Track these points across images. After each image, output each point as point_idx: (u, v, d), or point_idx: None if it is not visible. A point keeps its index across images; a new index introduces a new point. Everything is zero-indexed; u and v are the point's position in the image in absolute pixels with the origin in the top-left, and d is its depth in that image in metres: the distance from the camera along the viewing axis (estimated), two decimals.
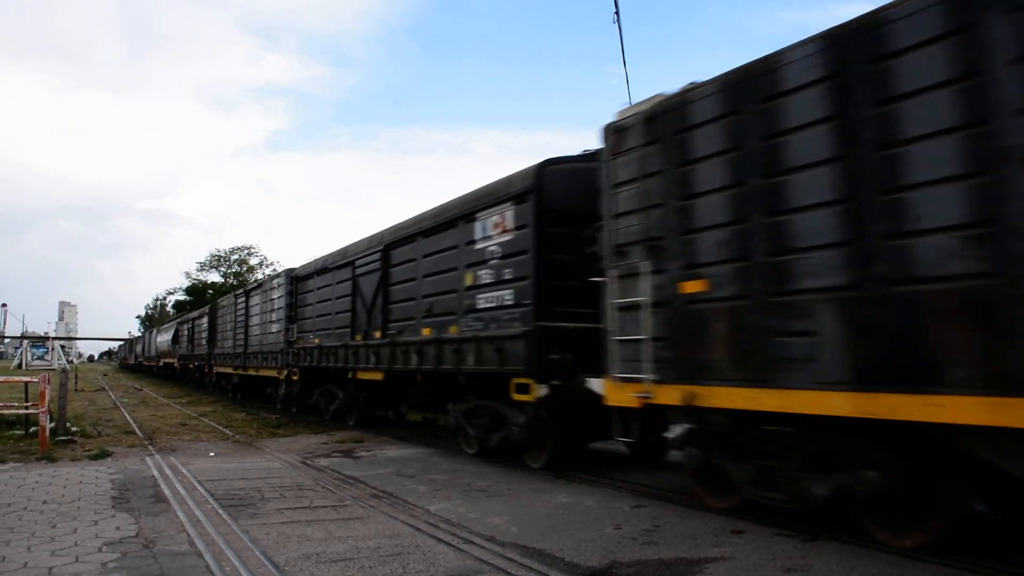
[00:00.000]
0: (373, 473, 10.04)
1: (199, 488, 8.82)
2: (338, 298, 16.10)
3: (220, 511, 7.54)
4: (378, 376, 14.18)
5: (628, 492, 8.42)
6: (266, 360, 21.13)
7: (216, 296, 53.51)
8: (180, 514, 7.39)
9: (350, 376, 15.69)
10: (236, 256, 76.90)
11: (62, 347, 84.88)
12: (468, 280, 10.78)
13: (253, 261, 76.00)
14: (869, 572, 5.33)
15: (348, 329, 15.21)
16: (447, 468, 10.45)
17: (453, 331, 11.03)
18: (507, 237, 10.04)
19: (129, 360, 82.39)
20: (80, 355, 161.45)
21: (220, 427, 16.59)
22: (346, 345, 15.23)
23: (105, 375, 60.00)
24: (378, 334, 13.71)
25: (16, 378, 16.31)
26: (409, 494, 8.53)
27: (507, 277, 9.95)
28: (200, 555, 5.88)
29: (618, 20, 10.20)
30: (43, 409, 11.92)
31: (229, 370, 26.56)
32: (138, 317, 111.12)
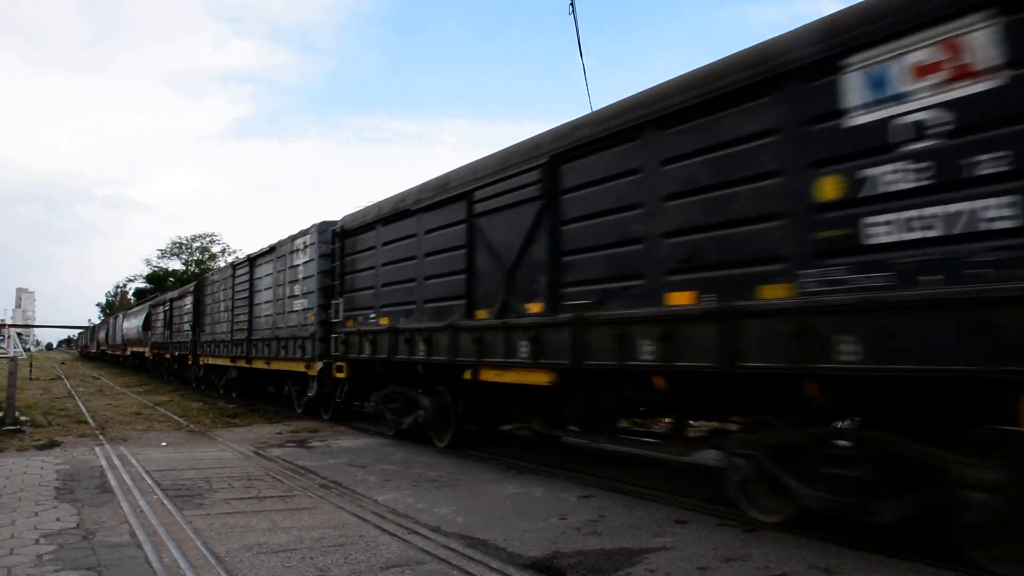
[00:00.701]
0: (325, 463, 10.00)
1: (146, 478, 8.72)
2: (434, 254, 10.55)
3: (165, 502, 7.46)
4: (541, 379, 8.33)
5: (576, 483, 8.47)
6: (285, 349, 16.00)
7: (177, 285, 52.71)
8: (124, 505, 7.30)
9: (468, 375, 9.71)
10: (198, 244, 76.17)
11: (19, 335, 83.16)
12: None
13: (215, 248, 75.32)
14: (807, 560, 5.43)
15: (460, 302, 9.80)
16: (400, 459, 10.43)
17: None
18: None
19: (90, 349, 76.95)
20: (38, 343, 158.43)
21: (175, 416, 16.40)
22: (454, 327, 9.76)
23: (63, 363, 58.92)
24: (535, 307, 8.39)
25: None
26: (359, 484, 8.51)
27: None
28: (140, 546, 5.82)
29: (574, 12, 10.15)
30: None
31: (224, 361, 21.76)
32: (98, 305, 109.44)
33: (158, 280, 70.53)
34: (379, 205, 12.31)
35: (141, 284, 77.20)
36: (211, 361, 23.56)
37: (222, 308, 22.35)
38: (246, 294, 19.53)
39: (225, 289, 22.04)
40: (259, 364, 18.36)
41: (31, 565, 5.31)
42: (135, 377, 35.82)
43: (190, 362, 26.59)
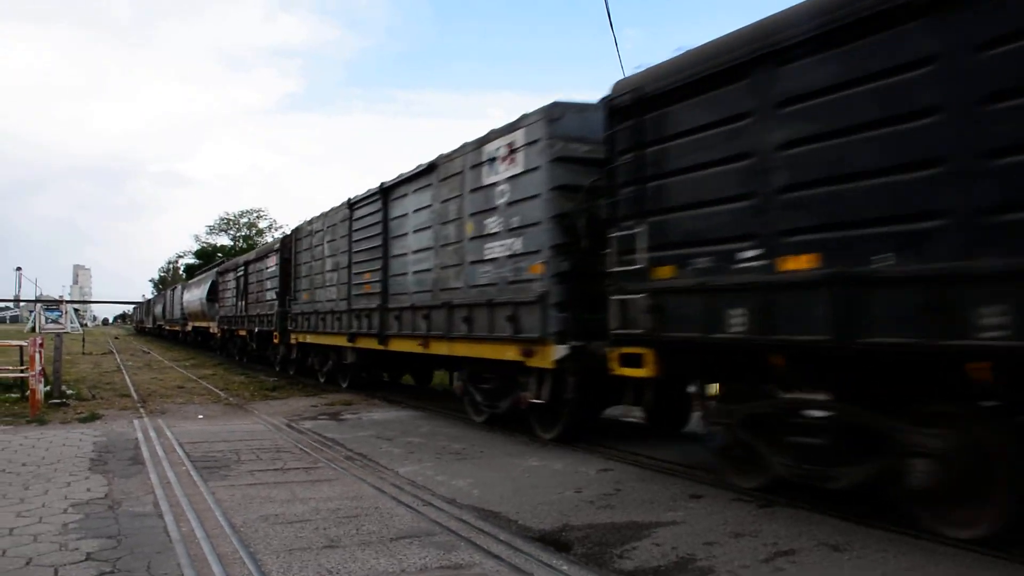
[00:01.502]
0: (353, 436, 10.16)
1: (178, 450, 8.96)
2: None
3: (192, 473, 7.67)
4: None
5: (599, 456, 8.48)
6: (469, 322, 10.36)
7: (225, 260, 50.43)
8: (153, 476, 7.52)
9: None
10: (245, 219, 77.26)
11: (76, 310, 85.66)
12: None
13: (262, 224, 76.35)
14: (816, 537, 5.38)
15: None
16: (427, 431, 10.55)
17: None
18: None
19: (146, 324, 72.73)
20: (95, 318, 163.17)
21: (216, 390, 16.79)
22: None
23: (116, 339, 60.62)
24: None
25: (12, 342, 16.51)
26: (383, 456, 8.64)
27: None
28: (161, 516, 6.00)
29: None
30: (33, 373, 12.08)
31: (334, 340, 16.26)
32: (151, 280, 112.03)
33: (206, 256, 71.77)
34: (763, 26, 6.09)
35: (190, 260, 78.68)
36: (310, 339, 18.14)
37: (328, 267, 16.87)
38: (377, 242, 13.85)
39: (333, 240, 16.52)
40: (403, 346, 12.78)
41: (56, 533, 5.51)
42: (184, 352, 36.70)
43: (276, 340, 21.01)
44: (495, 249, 9.95)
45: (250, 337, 24.75)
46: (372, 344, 13.97)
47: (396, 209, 13.25)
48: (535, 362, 9.00)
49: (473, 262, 10.42)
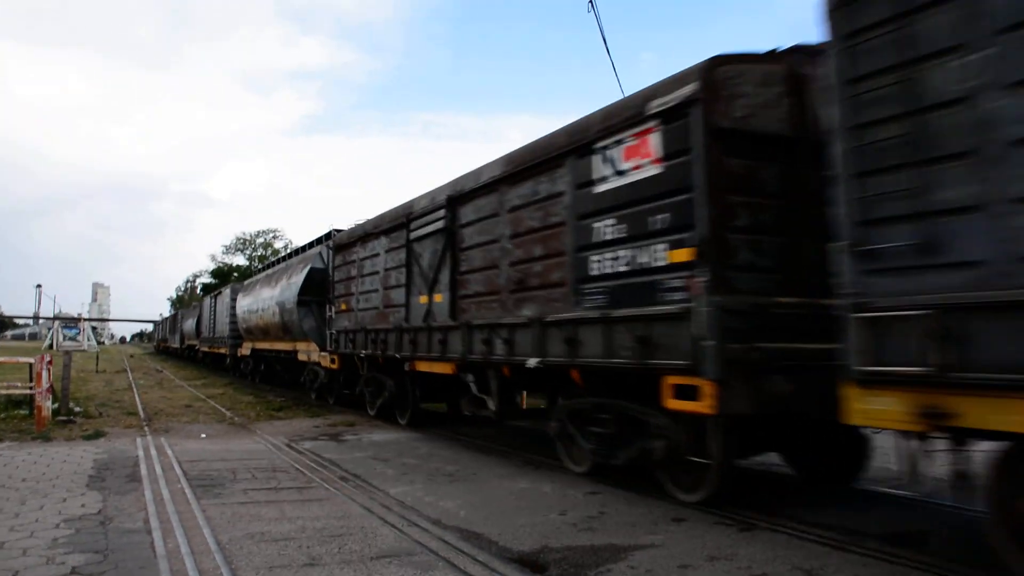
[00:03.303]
0: (350, 456, 10.27)
1: (176, 468, 9.10)
2: None
3: (187, 491, 7.80)
4: None
5: (588, 479, 8.53)
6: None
7: (240, 280, 40.22)
8: (148, 493, 7.66)
9: None
10: (261, 239, 78.05)
11: (93, 328, 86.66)
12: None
13: (278, 244, 77.04)
14: (791, 561, 5.42)
15: None
16: (424, 452, 10.65)
17: None
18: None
19: (171, 344, 60.89)
20: (112, 336, 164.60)
21: (223, 409, 16.96)
22: None
23: (131, 357, 61.11)
24: None
25: (21, 359, 16.78)
26: (376, 477, 8.74)
27: None
28: (150, 532, 6.12)
29: (595, 9, 10.06)
30: (39, 390, 12.30)
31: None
32: (169, 299, 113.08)
33: (223, 275, 72.47)
34: None
35: (207, 280, 79.42)
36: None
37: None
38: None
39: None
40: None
41: (45, 547, 5.65)
42: (196, 371, 36.86)
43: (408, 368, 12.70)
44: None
45: (386, 365, 14.11)
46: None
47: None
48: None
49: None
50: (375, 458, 10.17)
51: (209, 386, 25.31)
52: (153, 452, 10.32)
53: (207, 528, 6.28)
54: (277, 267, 25.05)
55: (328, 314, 16.98)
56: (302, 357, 19.58)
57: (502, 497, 7.71)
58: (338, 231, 18.36)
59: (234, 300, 28.93)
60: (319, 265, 18.50)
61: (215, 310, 34.05)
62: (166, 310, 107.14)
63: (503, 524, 6.54)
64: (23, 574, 5.02)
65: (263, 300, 22.98)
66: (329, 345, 16.90)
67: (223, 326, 31.04)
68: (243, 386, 25.05)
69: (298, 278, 19.24)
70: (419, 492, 7.91)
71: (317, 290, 18.33)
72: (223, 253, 79.51)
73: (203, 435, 12.51)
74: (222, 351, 31.96)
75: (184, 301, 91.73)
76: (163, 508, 7.00)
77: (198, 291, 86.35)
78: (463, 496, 7.71)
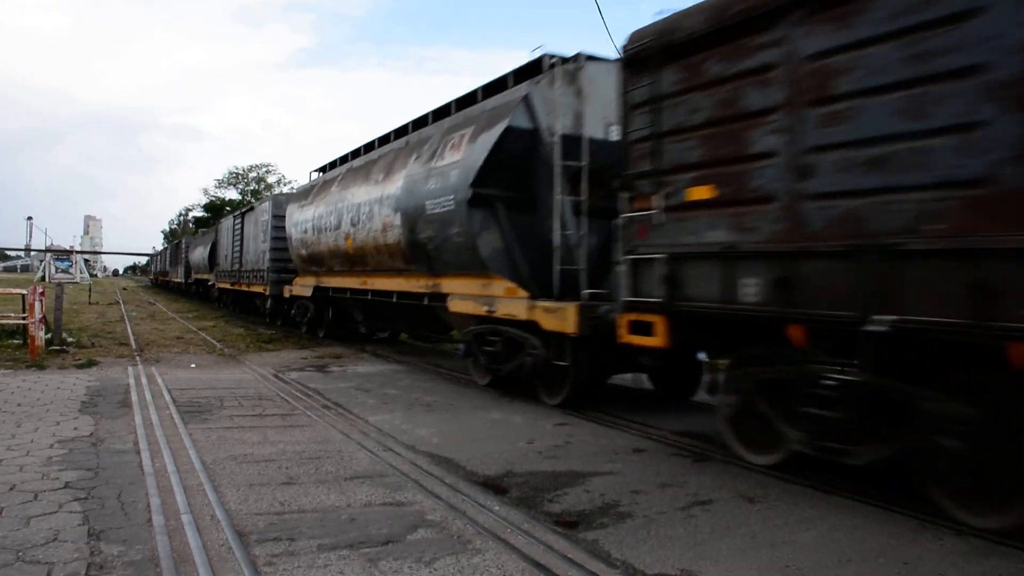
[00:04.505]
0: (334, 387, 10.67)
1: (165, 396, 9.49)
2: None
3: (175, 417, 8.18)
4: None
5: (560, 412, 8.95)
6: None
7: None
8: (138, 418, 8.04)
9: None
10: (254, 173, 77.55)
11: (86, 261, 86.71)
12: None
13: (271, 179, 76.64)
14: (737, 490, 5.83)
15: None
16: (406, 384, 11.06)
17: None
18: None
19: (172, 277, 53.52)
20: (105, 269, 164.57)
21: (213, 341, 17.34)
22: None
23: (124, 290, 61.32)
24: None
25: (15, 290, 17.04)
26: (357, 406, 9.14)
27: None
28: (139, 453, 6.51)
29: None
30: (32, 320, 12.63)
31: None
32: (162, 232, 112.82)
33: (215, 209, 72.20)
34: None
35: (200, 213, 79.20)
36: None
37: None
38: None
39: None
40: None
41: (40, 464, 6.03)
42: (187, 303, 37.16)
43: None
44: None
45: None
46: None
47: None
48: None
49: None
50: (358, 388, 10.57)
51: (201, 319, 25.65)
52: (144, 380, 10.69)
53: (193, 450, 6.67)
54: (385, 148, 14.69)
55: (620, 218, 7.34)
56: (460, 307, 10.68)
57: (475, 426, 8.12)
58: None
59: (279, 216, 20.50)
60: (523, 123, 9.59)
61: (242, 233, 25.66)
62: (159, 243, 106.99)
63: (472, 451, 6.94)
64: (20, 487, 5.40)
65: (356, 205, 14.09)
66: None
67: (257, 254, 23.18)
68: (234, 318, 25.39)
69: (473, 152, 9.98)
70: (397, 420, 8.32)
71: (508, 176, 9.79)
72: (216, 187, 79.03)
73: (193, 365, 12.89)
74: (256, 289, 23.35)
75: (177, 234, 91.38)
76: (152, 432, 7.38)
77: (191, 225, 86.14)
78: (438, 425, 8.11)
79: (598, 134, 9.38)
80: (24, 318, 13.93)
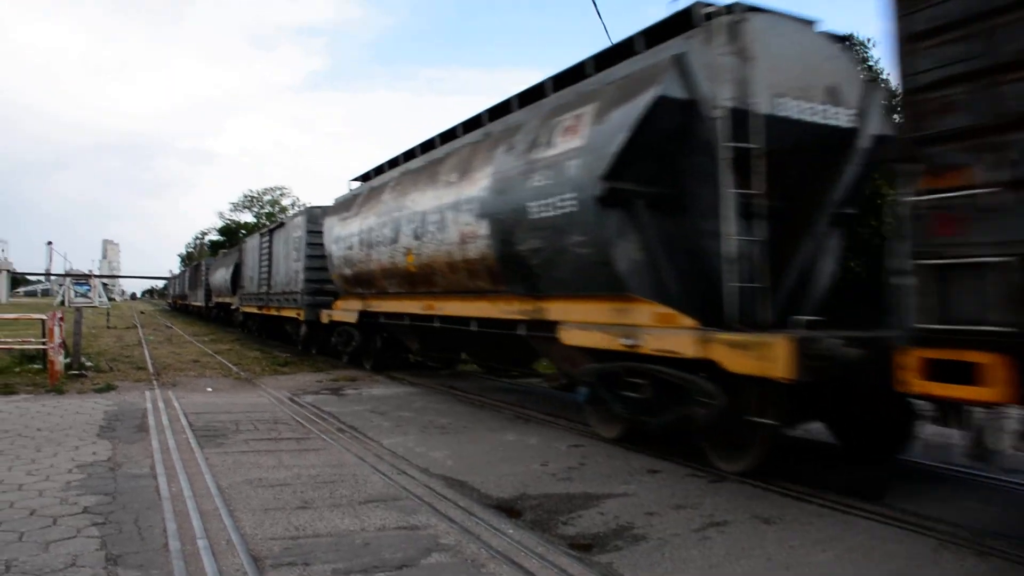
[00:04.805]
0: (349, 410, 10.71)
1: (182, 420, 9.56)
2: None
3: (192, 441, 8.24)
4: None
5: (575, 433, 8.93)
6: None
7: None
8: (155, 442, 8.10)
9: None
10: (268, 197, 78.20)
11: (104, 285, 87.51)
12: None
13: (285, 201, 77.23)
14: (752, 511, 5.81)
15: None
16: (420, 406, 11.08)
17: None
18: None
19: (191, 301, 51.35)
20: (123, 292, 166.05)
21: (229, 364, 17.45)
22: None
23: (142, 313, 61.79)
24: None
25: (34, 315, 17.24)
26: (372, 429, 9.17)
27: None
28: (155, 477, 6.56)
29: None
30: (51, 345, 12.77)
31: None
32: (179, 256, 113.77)
33: (230, 233, 72.83)
34: None
35: (215, 237, 79.83)
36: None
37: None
38: None
39: None
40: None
41: (59, 489, 6.10)
42: (203, 327, 37.41)
43: None
44: None
45: None
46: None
47: None
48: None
49: None
50: (372, 411, 10.60)
51: (217, 342, 25.83)
52: (161, 404, 10.78)
53: (209, 474, 6.72)
54: (452, 144, 11.99)
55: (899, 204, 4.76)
56: (582, 340, 8.21)
57: (489, 449, 8.13)
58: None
59: (316, 232, 18.40)
60: (678, 92, 7.18)
61: (271, 252, 23.13)
62: (175, 267, 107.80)
63: (486, 473, 6.95)
64: (40, 512, 5.46)
65: (420, 214, 11.57)
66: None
67: (289, 274, 20.70)
68: (250, 341, 25.54)
69: (603, 133, 7.54)
70: (411, 443, 8.34)
71: (652, 165, 7.46)
72: (231, 210, 79.71)
73: (209, 389, 12.98)
74: (288, 313, 20.87)
75: (193, 257, 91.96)
76: (168, 456, 7.44)
77: (206, 248, 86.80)
78: (452, 447, 8.13)
79: (766, 108, 7.12)
80: (44, 343, 14.09)
